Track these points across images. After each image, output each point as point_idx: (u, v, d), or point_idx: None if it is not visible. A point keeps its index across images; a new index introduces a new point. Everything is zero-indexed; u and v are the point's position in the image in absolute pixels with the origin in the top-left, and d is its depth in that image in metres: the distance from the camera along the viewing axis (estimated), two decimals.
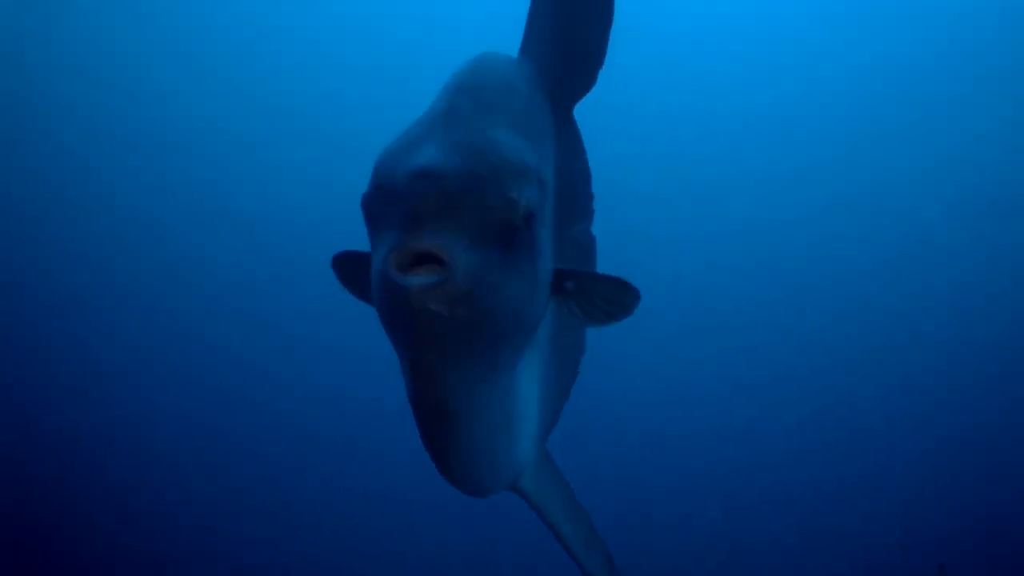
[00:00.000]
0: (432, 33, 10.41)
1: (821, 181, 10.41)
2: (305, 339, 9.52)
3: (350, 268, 1.98)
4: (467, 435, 1.61)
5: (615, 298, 1.79)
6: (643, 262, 8.96)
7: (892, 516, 8.64)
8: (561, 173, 1.96)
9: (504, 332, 1.49)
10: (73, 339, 9.41)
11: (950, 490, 8.72)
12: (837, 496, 8.79)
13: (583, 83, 2.01)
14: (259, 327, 9.72)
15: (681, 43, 10.66)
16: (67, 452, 8.55)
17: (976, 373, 9.45)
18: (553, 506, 2.34)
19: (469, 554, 7.74)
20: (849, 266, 10.19)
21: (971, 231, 9.98)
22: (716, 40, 10.71)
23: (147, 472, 8.61)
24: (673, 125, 10.60)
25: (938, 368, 9.53)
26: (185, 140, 10.47)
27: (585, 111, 2.07)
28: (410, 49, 10.50)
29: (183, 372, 9.40)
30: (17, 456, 8.17)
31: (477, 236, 1.39)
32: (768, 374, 9.59)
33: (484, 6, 8.27)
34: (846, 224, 10.31)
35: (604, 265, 2.08)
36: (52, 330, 9.42)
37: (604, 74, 1.98)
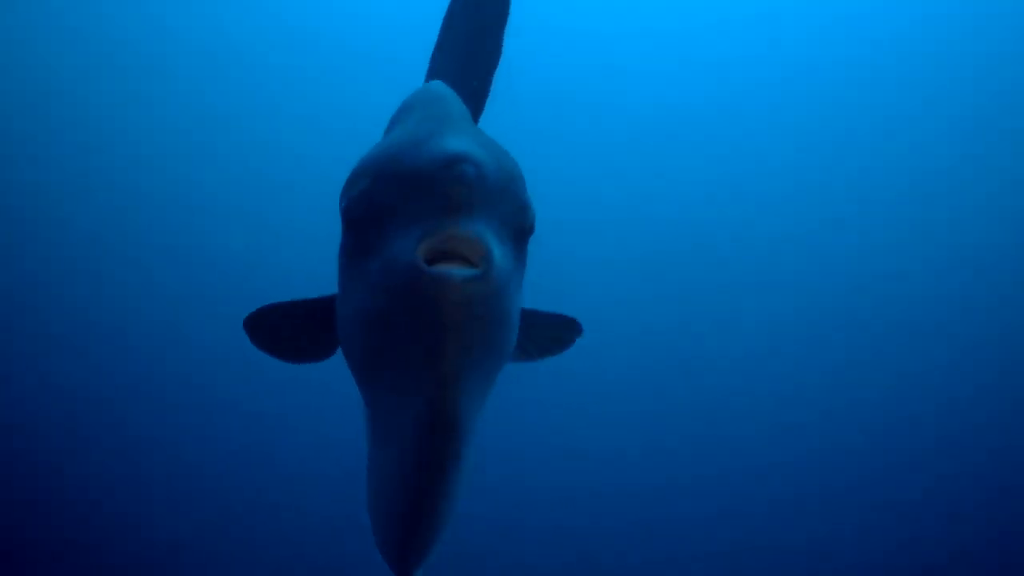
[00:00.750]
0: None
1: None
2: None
3: (273, 326, 1.77)
4: (462, 469, 1.40)
5: (557, 335, 1.75)
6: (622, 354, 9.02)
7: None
8: None
9: (505, 347, 1.38)
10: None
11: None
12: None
13: None
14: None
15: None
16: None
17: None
18: None
19: None
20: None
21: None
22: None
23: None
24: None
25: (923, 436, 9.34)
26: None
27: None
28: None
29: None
30: None
31: (501, 235, 1.32)
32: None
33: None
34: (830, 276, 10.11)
35: None
36: None
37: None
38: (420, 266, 1.21)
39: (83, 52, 9.82)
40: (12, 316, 9.04)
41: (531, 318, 1.65)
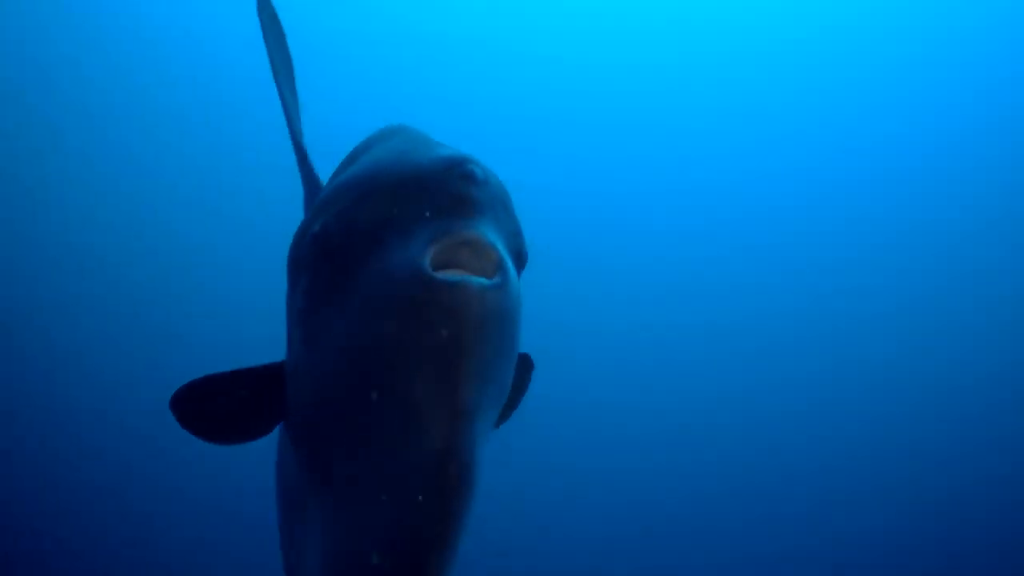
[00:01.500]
0: None
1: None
2: None
3: (203, 402, 1.41)
4: (464, 524, 1.16)
5: (517, 381, 1.59)
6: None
7: None
8: None
9: (508, 383, 1.19)
10: None
11: None
12: None
13: None
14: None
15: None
16: None
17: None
18: None
19: None
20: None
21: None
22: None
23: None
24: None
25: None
26: None
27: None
28: None
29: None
30: None
31: (508, 251, 1.16)
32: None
33: None
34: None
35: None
36: None
37: None
38: (431, 273, 1.03)
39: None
40: None
41: None
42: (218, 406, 1.39)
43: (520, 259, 1.25)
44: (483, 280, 1.04)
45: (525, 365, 1.79)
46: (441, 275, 1.03)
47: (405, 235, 1.10)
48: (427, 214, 1.10)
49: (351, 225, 1.17)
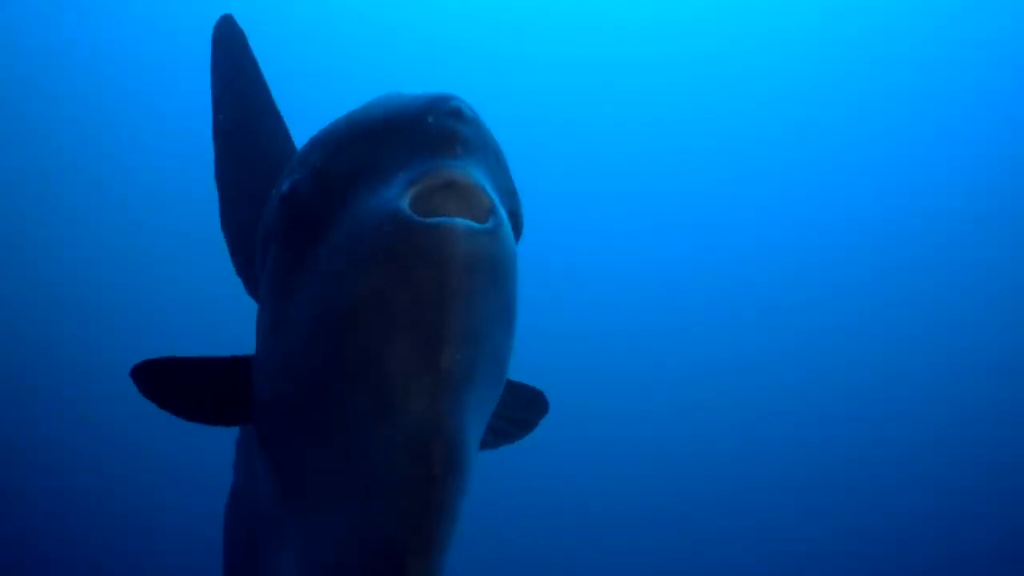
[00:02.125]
0: None
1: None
2: None
3: (166, 380, 1.32)
4: (453, 522, 0.98)
5: (522, 415, 1.49)
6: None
7: None
8: None
9: (507, 358, 1.05)
10: None
11: None
12: None
13: None
14: None
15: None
16: None
17: None
18: None
19: None
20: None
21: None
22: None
23: None
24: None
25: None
26: None
27: None
28: None
29: None
30: None
31: (501, 201, 1.01)
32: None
33: None
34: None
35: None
36: None
37: None
38: (410, 215, 0.90)
39: None
40: None
41: None
42: (180, 388, 1.29)
43: (516, 224, 1.09)
44: (471, 223, 0.91)
45: (537, 404, 1.64)
46: (422, 217, 0.90)
47: (382, 181, 0.96)
48: (407, 155, 0.96)
49: (323, 180, 1.04)
